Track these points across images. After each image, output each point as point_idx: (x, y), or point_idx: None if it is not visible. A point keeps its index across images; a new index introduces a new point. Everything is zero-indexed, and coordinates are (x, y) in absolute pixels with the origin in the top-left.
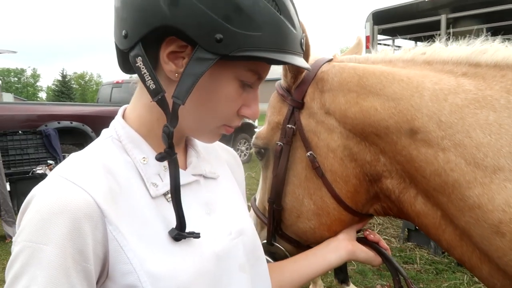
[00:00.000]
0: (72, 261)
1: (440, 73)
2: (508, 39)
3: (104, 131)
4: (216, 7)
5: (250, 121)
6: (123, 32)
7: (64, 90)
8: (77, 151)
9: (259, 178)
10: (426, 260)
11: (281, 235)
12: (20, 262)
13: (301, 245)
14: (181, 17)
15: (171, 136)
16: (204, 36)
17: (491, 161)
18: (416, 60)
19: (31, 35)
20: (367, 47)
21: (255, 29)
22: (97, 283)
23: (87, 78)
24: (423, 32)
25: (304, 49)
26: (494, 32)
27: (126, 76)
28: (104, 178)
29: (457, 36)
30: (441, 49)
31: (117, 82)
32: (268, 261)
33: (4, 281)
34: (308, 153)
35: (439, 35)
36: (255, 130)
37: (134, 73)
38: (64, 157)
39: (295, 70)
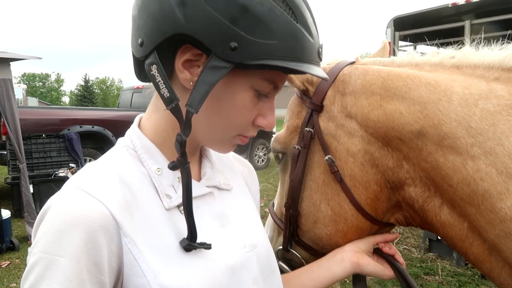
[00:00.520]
0: (87, 273)
1: (471, 77)
2: None
3: (120, 140)
4: (231, 15)
5: None
6: (139, 40)
7: (86, 94)
8: (98, 154)
9: (276, 185)
10: (448, 272)
11: (297, 242)
12: (36, 274)
13: (317, 252)
14: (195, 25)
15: (183, 144)
16: (219, 44)
17: None
18: (444, 63)
19: (56, 41)
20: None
21: (271, 37)
22: None
23: (108, 83)
24: (446, 38)
25: (321, 58)
26: None
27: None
28: (119, 190)
29: (482, 42)
30: (472, 53)
31: (138, 88)
32: (283, 270)
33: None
34: (327, 157)
35: (463, 41)
36: (273, 135)
37: (149, 81)
38: (85, 161)
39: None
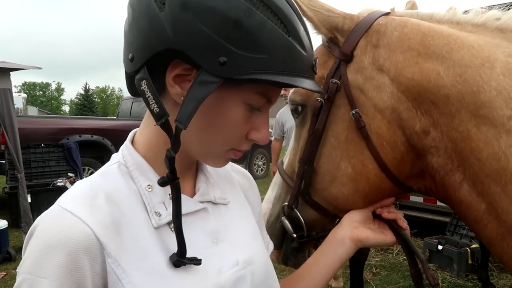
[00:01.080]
0: None
1: None
2: None
3: (113, 156)
4: (220, 29)
5: None
6: (130, 56)
7: (86, 103)
8: (97, 164)
9: None
10: (448, 284)
11: (307, 200)
12: None
13: (328, 213)
14: (184, 40)
15: (172, 160)
16: (207, 58)
17: None
18: (488, 25)
19: (57, 50)
20: None
21: (261, 52)
22: None
23: (108, 92)
24: None
25: (316, 71)
26: None
27: None
28: (106, 208)
29: None
30: None
31: (137, 97)
32: (285, 228)
33: None
34: (354, 111)
35: None
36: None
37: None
38: (84, 170)
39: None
